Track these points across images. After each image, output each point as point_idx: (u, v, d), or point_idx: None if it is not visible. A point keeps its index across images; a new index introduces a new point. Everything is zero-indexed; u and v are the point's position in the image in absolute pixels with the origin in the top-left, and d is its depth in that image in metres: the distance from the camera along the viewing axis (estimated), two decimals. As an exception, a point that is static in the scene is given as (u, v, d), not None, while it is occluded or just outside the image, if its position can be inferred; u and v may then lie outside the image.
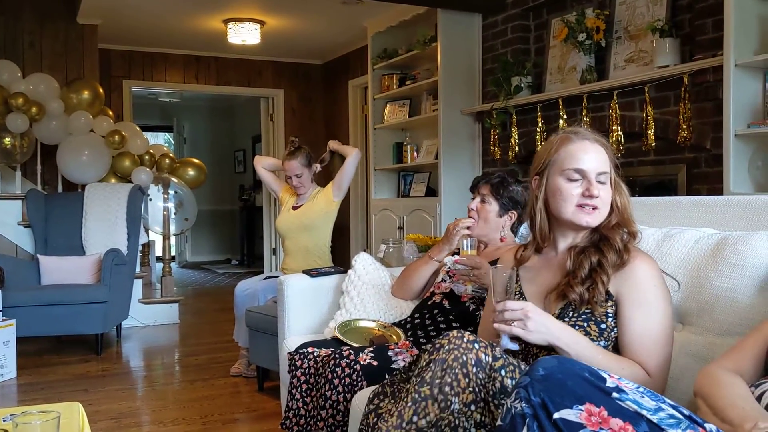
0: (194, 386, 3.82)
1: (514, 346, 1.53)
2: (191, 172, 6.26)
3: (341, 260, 6.77)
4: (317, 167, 3.93)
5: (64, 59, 6.23)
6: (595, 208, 1.60)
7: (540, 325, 1.47)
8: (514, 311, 1.48)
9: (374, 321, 2.60)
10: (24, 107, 5.30)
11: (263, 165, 4.12)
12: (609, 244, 1.59)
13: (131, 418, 3.28)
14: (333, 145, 4.00)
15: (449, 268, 2.53)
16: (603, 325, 1.55)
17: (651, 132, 3.81)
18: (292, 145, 3.93)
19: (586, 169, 1.60)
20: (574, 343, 1.48)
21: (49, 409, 1.43)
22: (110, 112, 5.97)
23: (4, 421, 1.74)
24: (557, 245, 1.70)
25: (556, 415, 1.13)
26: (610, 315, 1.55)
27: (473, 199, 2.55)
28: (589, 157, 1.60)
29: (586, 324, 1.55)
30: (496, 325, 1.51)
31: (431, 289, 2.57)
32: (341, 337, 2.43)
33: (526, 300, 1.65)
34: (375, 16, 6.02)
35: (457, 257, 2.45)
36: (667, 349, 1.55)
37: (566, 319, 1.56)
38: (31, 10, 6.10)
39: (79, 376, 4.07)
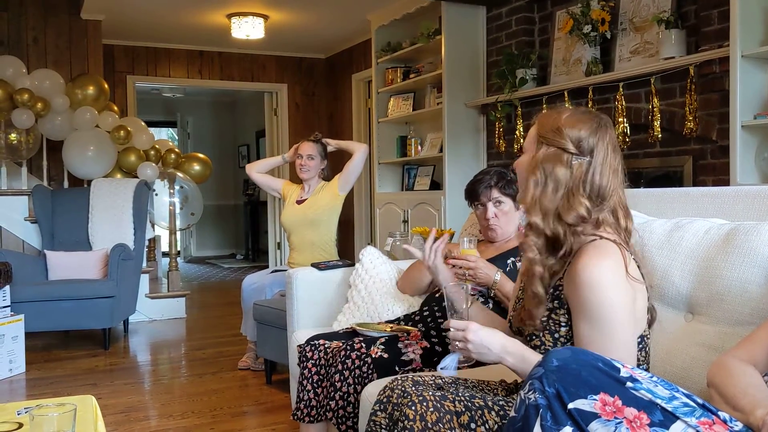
0: (202, 380, 3.84)
1: (448, 373, 1.48)
2: (197, 167, 6.27)
3: (346, 254, 6.80)
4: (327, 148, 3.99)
5: (69, 55, 6.23)
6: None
7: (480, 346, 1.44)
8: (457, 331, 1.46)
9: (387, 323, 2.57)
10: (29, 103, 5.31)
11: (256, 170, 4.13)
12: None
13: (140, 412, 3.30)
14: (333, 142, 4.02)
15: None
16: (556, 335, 1.49)
17: (657, 123, 3.80)
18: (315, 136, 4.00)
19: None
20: (521, 361, 1.42)
21: (64, 401, 1.44)
22: (115, 108, 5.97)
23: (18, 414, 1.75)
24: None
25: (570, 406, 1.13)
26: (563, 324, 1.48)
27: (484, 206, 2.42)
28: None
29: (541, 334, 1.50)
30: (450, 345, 1.50)
31: (438, 284, 2.57)
32: (359, 329, 2.41)
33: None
34: (379, 9, 6.01)
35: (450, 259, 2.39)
36: (625, 361, 1.33)
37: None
38: (34, 5, 6.11)
39: (87, 371, 4.09)
